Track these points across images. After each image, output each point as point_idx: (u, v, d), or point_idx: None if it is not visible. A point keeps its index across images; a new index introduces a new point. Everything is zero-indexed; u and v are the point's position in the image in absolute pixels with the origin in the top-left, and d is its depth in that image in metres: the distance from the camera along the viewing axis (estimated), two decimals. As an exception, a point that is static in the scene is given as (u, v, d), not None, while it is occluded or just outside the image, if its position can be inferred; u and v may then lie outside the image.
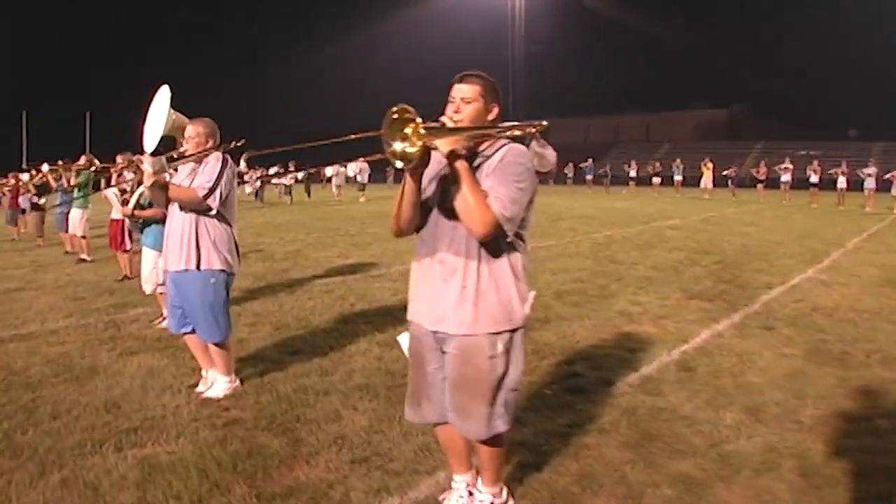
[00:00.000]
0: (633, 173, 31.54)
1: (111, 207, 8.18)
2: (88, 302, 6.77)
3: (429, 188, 2.36)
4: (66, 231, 10.41)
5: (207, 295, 3.87)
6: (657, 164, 31.81)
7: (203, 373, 4.06)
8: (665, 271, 8.36)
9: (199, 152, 3.91)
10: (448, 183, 2.29)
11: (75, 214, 9.95)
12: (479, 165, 2.29)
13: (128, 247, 8.08)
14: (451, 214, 2.29)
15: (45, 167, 11.15)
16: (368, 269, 8.59)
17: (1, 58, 55.23)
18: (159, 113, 3.95)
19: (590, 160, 35.34)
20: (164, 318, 5.75)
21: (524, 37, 45.72)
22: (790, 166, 24.21)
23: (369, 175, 27.35)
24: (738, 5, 67.37)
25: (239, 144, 4.02)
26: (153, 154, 3.83)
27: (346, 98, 64.36)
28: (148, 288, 5.90)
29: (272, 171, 25.83)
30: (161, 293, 5.83)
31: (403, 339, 2.56)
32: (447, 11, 53.06)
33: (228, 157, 3.93)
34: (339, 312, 6.11)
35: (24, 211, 13.64)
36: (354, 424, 3.48)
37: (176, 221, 3.91)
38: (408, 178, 2.23)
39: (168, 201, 3.92)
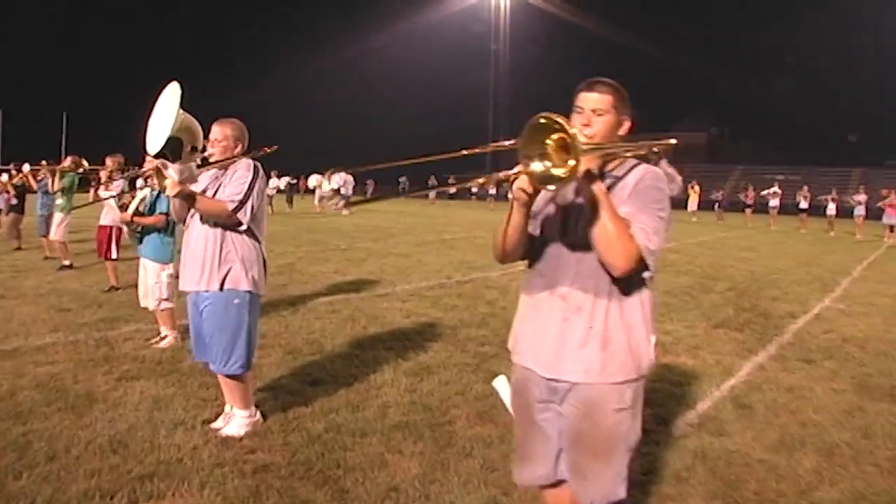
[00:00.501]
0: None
1: (100, 212, 7.65)
2: (75, 314, 6.22)
3: (545, 212, 1.99)
4: (47, 235, 9.82)
5: (229, 318, 3.42)
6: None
7: (226, 408, 3.58)
8: (681, 297, 8.07)
9: (228, 159, 3.48)
10: (572, 208, 1.93)
11: (56, 218, 9.37)
12: (609, 188, 1.92)
13: (113, 255, 7.54)
14: (576, 244, 1.93)
15: (26, 167, 10.54)
16: (372, 288, 8.14)
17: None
18: (167, 111, 3.45)
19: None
20: (163, 338, 5.27)
21: (508, 55, 45.93)
22: (779, 191, 24.35)
23: (353, 187, 26.86)
24: (715, 29, 68.69)
25: (270, 151, 3.59)
26: (157, 156, 3.38)
27: (346, 100, 64.07)
28: (150, 304, 5.38)
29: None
30: (163, 310, 5.33)
31: (500, 385, 2.15)
32: (439, 23, 53.14)
33: (259, 164, 3.49)
34: (352, 336, 5.67)
35: (-1, 212, 12.99)
36: (405, 472, 3.06)
37: (196, 235, 3.45)
38: (515, 202, 1.85)
39: (188, 213, 3.48)
